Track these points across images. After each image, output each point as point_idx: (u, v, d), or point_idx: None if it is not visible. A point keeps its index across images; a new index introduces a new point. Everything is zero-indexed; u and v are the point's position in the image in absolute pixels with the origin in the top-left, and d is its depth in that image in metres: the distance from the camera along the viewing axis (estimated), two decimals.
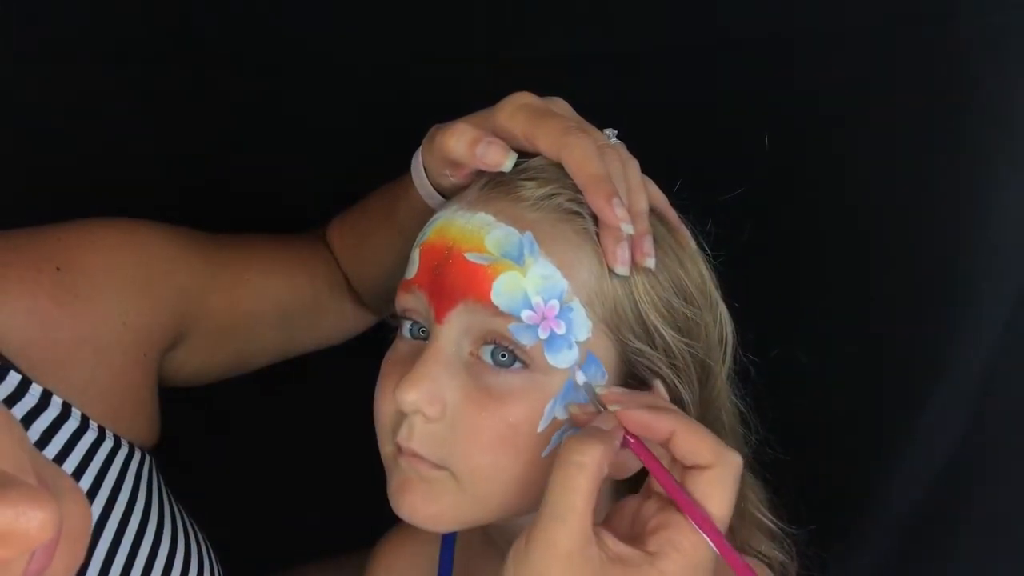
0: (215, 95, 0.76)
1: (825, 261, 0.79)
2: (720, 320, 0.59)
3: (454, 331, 0.52)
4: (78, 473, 0.56)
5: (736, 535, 0.65)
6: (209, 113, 0.76)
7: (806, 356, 0.75)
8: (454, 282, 0.52)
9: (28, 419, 0.54)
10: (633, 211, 0.54)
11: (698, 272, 0.57)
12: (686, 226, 0.59)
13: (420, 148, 0.61)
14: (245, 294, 0.70)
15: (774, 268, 0.76)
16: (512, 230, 0.52)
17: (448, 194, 0.61)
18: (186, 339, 0.66)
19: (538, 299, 0.51)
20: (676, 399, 0.56)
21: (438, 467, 0.52)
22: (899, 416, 0.80)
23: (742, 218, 0.71)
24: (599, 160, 0.52)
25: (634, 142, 0.57)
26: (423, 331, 0.55)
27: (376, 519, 0.70)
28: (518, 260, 0.52)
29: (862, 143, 0.76)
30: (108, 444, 0.58)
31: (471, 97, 0.62)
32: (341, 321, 0.76)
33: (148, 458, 0.63)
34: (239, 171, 0.79)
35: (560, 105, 0.58)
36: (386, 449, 0.55)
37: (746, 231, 0.70)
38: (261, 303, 0.71)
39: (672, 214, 0.58)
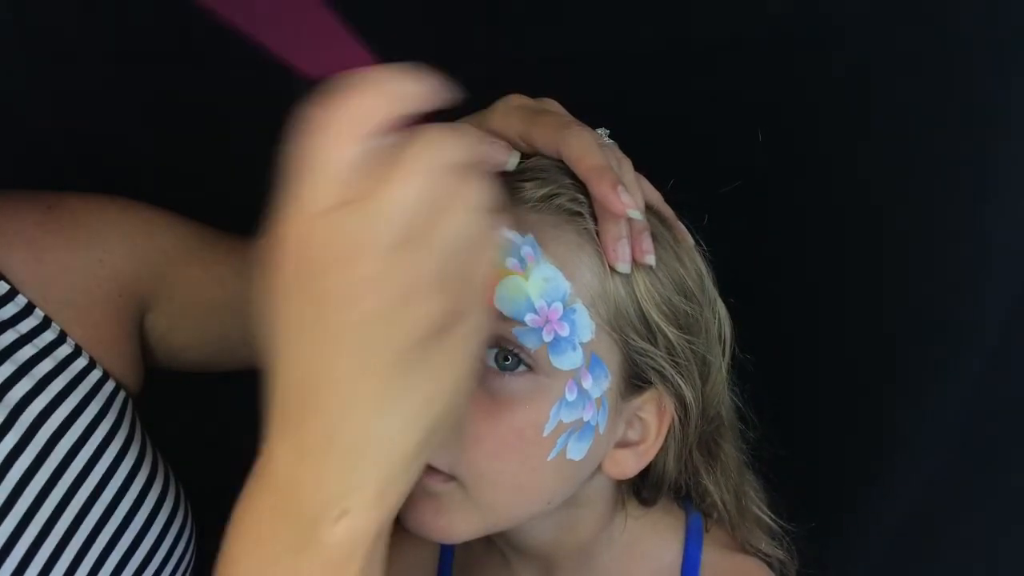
0: (210, 93, 0.77)
1: (823, 261, 0.79)
2: (718, 316, 0.59)
3: None
4: (64, 394, 0.60)
5: (737, 532, 0.65)
6: (204, 112, 0.77)
7: (803, 355, 0.75)
8: None
9: (29, 336, 0.60)
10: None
11: (696, 268, 0.58)
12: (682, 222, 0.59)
13: None
14: (227, 274, 0.71)
15: (771, 268, 0.76)
16: (513, 233, 0.52)
17: None
18: (164, 302, 0.69)
19: (541, 302, 0.51)
20: (679, 396, 0.56)
21: (446, 479, 0.52)
22: (899, 416, 0.80)
23: (739, 217, 0.72)
24: (600, 151, 0.53)
25: (634, 142, 0.57)
26: None
27: None
28: (520, 264, 0.51)
29: (861, 143, 0.76)
30: (96, 374, 0.63)
31: (471, 97, 0.62)
32: None
33: (127, 394, 0.67)
34: (234, 175, 0.79)
35: (553, 105, 0.58)
36: None
37: (742, 230, 0.71)
38: (245, 289, 0.71)
39: (668, 210, 0.58)
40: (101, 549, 0.60)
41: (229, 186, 0.80)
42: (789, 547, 0.66)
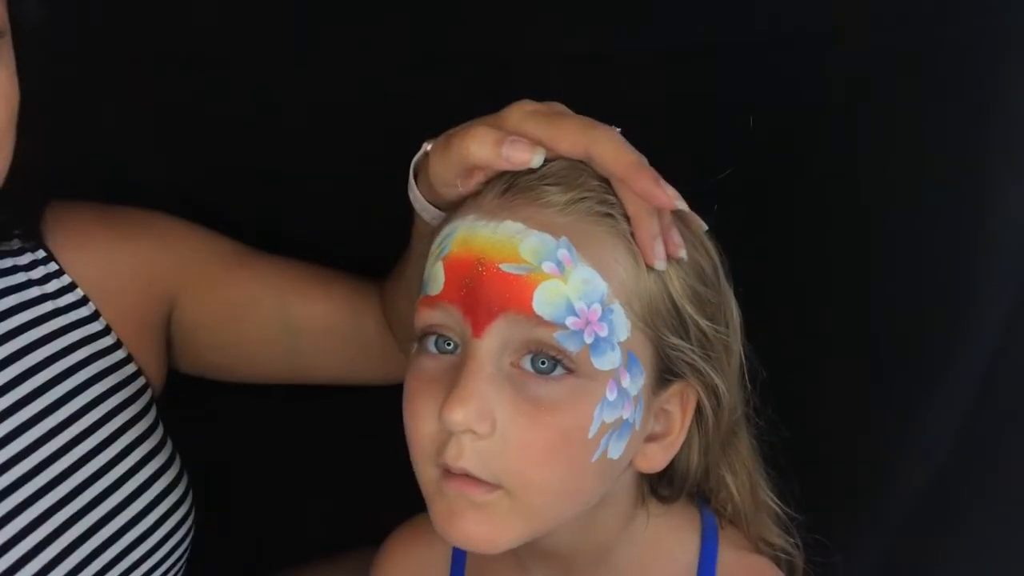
0: (212, 96, 0.77)
1: (824, 261, 0.79)
2: (731, 303, 0.59)
3: (494, 344, 0.51)
4: (86, 362, 0.67)
5: (751, 526, 0.65)
6: (205, 116, 0.77)
7: (802, 355, 0.75)
8: (491, 295, 0.51)
9: (65, 310, 0.67)
10: None
11: (710, 255, 0.58)
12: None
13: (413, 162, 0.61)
14: (251, 281, 0.76)
15: (773, 268, 0.76)
16: (547, 236, 0.52)
17: (445, 208, 0.60)
18: (190, 299, 0.74)
19: (581, 304, 0.51)
20: (711, 386, 0.57)
21: (490, 488, 0.52)
22: (898, 416, 0.80)
23: (741, 217, 0.71)
24: (631, 148, 0.53)
25: (635, 143, 0.57)
26: (449, 344, 0.54)
27: (378, 517, 0.70)
28: (558, 267, 0.51)
29: (862, 143, 0.76)
30: (121, 354, 0.70)
31: (471, 97, 0.62)
32: (386, 365, 0.77)
33: (147, 382, 0.72)
34: (237, 172, 0.79)
35: (562, 108, 0.57)
36: (427, 473, 0.54)
37: (746, 226, 0.70)
38: (263, 293, 0.76)
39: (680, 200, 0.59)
40: (99, 517, 0.64)
41: (230, 189, 0.80)
42: (796, 537, 0.66)
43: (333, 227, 0.81)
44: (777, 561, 0.65)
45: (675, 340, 0.55)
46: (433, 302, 0.54)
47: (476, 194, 0.56)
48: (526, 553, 0.62)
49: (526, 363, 0.52)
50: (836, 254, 0.79)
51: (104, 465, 0.65)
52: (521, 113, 0.55)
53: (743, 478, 0.64)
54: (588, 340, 0.51)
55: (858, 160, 0.76)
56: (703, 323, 0.56)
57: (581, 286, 0.51)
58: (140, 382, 0.71)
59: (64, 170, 0.76)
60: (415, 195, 0.61)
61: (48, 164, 0.65)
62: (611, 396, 0.52)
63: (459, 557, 0.66)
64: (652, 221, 0.53)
